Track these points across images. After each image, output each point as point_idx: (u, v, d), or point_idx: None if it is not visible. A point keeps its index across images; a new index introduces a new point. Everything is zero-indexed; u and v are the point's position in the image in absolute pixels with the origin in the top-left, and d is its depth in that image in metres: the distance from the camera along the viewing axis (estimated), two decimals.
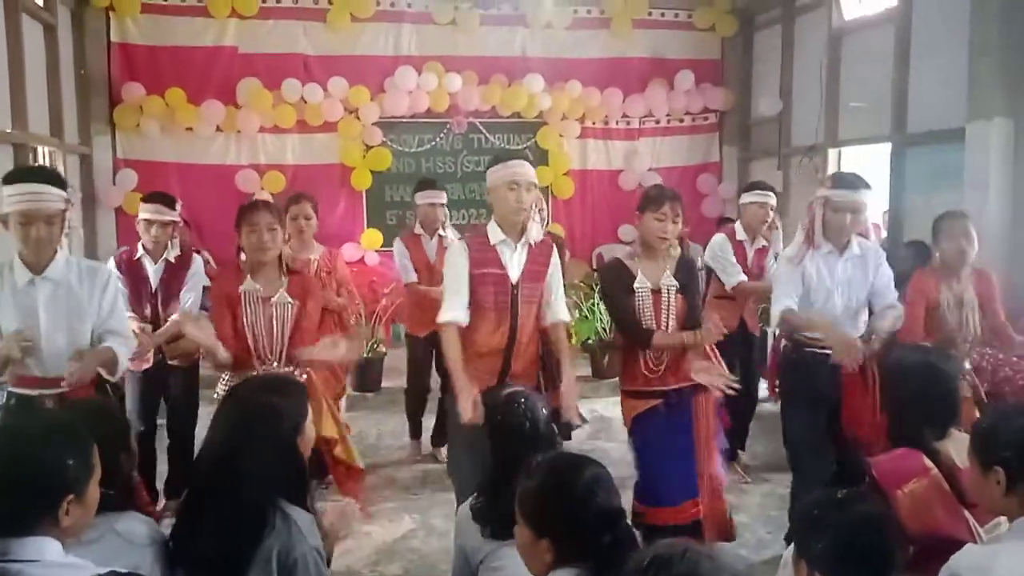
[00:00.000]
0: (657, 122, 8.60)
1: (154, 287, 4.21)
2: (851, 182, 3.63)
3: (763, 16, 8.40)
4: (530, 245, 3.31)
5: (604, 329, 7.08)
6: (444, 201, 5.26)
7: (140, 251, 4.24)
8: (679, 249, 3.57)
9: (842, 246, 3.64)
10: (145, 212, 4.23)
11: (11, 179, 3.01)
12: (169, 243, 4.25)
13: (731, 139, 8.78)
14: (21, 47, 5.74)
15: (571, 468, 1.86)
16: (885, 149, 6.63)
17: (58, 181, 3.08)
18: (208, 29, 7.62)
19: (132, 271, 4.20)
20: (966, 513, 2.08)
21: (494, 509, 2.30)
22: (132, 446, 2.27)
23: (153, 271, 4.22)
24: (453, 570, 2.49)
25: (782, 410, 3.90)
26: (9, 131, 5.56)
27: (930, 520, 2.00)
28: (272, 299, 3.38)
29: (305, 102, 7.65)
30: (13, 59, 5.66)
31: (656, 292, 3.42)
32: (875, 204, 7.32)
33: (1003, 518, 1.98)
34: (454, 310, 3.24)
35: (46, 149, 6.45)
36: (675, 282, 3.44)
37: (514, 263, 3.27)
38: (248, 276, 3.40)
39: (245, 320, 3.35)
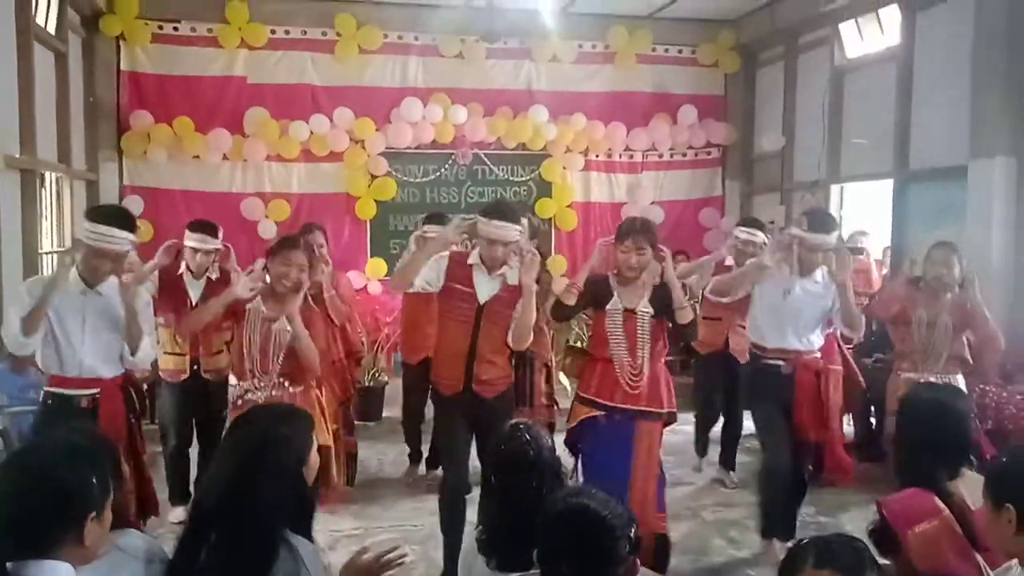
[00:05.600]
0: (660, 156, 8.65)
1: (194, 302, 4.49)
2: (823, 225, 4.07)
3: (766, 53, 8.50)
4: (505, 282, 3.64)
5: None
6: None
7: (183, 268, 4.59)
8: (658, 277, 3.77)
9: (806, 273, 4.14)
10: (191, 240, 4.58)
11: (92, 217, 3.48)
12: (211, 267, 4.63)
13: (734, 173, 8.84)
14: (32, 74, 5.78)
15: (578, 512, 1.87)
16: (887, 185, 6.67)
17: (129, 225, 3.50)
18: (218, 59, 7.69)
19: (173, 285, 4.52)
20: (977, 556, 2.06)
21: (498, 540, 2.28)
22: (122, 471, 2.30)
23: (194, 287, 4.56)
24: None
25: (751, 406, 4.44)
26: (18, 156, 5.58)
27: (940, 562, 1.98)
28: (274, 324, 3.60)
29: (312, 132, 7.70)
30: (23, 85, 5.69)
31: (631, 313, 3.67)
32: (877, 240, 7.40)
33: (1015, 561, 1.96)
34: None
35: (54, 175, 6.49)
36: (650, 308, 3.68)
37: (483, 287, 3.64)
38: (259, 297, 3.64)
39: (244, 334, 3.62)
